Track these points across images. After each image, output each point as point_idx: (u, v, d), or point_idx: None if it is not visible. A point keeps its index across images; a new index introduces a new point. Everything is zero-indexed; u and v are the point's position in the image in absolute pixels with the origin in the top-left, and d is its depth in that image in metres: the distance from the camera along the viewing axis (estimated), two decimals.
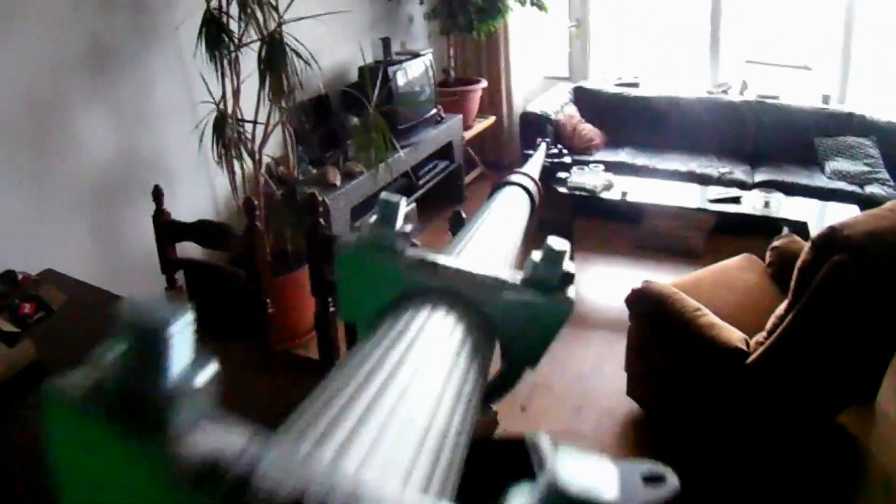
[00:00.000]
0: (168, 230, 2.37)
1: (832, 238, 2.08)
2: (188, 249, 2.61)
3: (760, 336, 2.39)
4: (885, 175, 4.51)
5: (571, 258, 0.49)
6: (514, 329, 0.47)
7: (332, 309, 2.15)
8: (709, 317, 2.54)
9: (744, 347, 2.39)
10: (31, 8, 2.65)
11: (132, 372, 0.27)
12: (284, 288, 3.02)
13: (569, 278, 0.47)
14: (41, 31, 2.70)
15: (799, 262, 2.19)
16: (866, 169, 4.54)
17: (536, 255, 0.48)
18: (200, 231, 2.35)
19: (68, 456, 0.28)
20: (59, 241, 2.84)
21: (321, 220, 2.11)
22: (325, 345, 2.15)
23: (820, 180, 4.56)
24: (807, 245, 2.19)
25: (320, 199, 2.18)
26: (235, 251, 2.27)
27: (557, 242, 0.47)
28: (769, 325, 2.34)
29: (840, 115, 4.90)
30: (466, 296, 0.45)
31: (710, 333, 2.47)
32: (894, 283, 2.08)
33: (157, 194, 2.35)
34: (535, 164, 1.10)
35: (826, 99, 5.11)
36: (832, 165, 4.64)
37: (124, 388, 0.26)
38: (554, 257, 0.47)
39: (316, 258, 2.10)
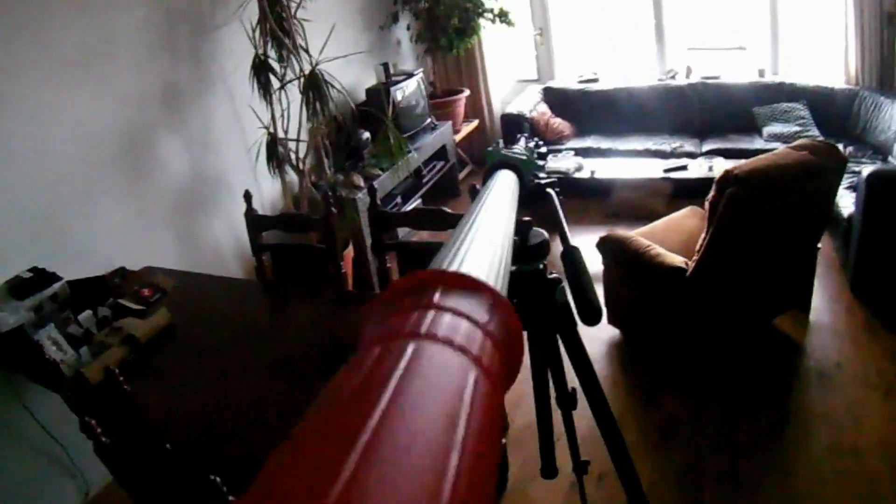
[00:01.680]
0: (257, 222, 3.30)
1: (727, 177, 3.04)
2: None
3: (695, 256, 3.33)
4: (815, 132, 5.39)
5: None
6: (526, 171, 1.38)
7: (388, 265, 3.11)
8: (656, 249, 3.47)
9: (683, 266, 3.33)
10: (120, 53, 3.52)
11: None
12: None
13: (539, 156, 1.42)
14: (130, 75, 3.58)
15: (709, 198, 3.15)
16: (798, 129, 5.43)
17: (527, 149, 1.42)
18: (284, 221, 3.32)
19: (490, 155, 1.27)
20: (152, 241, 3.72)
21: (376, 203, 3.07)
22: (384, 286, 3.09)
23: (759, 143, 5.45)
24: (714, 185, 3.14)
25: (375, 188, 3.13)
26: (314, 233, 3.20)
27: (535, 144, 1.44)
28: (697, 247, 3.29)
29: (773, 86, 5.81)
30: (513, 161, 1.36)
31: (658, 260, 3.40)
32: (770, 202, 3.04)
33: (248, 197, 3.29)
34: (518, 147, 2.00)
35: (761, 73, 6.05)
36: (768, 129, 5.56)
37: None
38: (532, 149, 1.41)
39: (378, 228, 3.06)
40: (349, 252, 4.38)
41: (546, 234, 1.33)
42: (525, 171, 1.27)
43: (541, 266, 1.34)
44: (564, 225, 1.32)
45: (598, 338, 3.92)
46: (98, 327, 2.78)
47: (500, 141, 1.49)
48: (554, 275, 1.37)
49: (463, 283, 0.46)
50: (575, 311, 1.24)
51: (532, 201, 1.33)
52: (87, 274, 3.02)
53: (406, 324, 0.40)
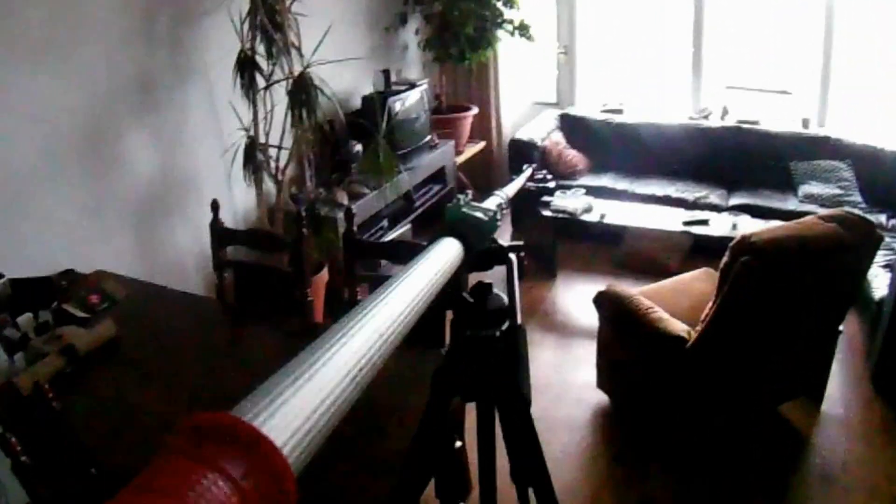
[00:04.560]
0: (222, 235, 3.42)
1: (743, 244, 3.14)
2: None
3: (699, 327, 3.43)
4: (857, 197, 5.49)
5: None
6: (482, 234, 1.42)
7: (359, 298, 3.21)
8: (659, 313, 3.57)
9: (685, 336, 3.42)
10: (91, 37, 3.63)
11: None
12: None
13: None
14: (98, 58, 3.69)
15: (721, 265, 3.26)
16: (839, 192, 5.53)
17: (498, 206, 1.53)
18: (251, 238, 3.44)
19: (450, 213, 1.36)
20: (107, 244, 3.82)
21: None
22: None
23: (792, 203, 5.56)
24: (728, 250, 3.25)
25: (353, 212, 3.26)
26: (285, 253, 3.32)
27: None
28: (702, 316, 3.39)
29: (816, 139, 5.92)
30: (463, 229, 1.37)
31: (658, 326, 3.49)
32: (789, 278, 3.15)
33: (215, 206, 3.40)
34: (513, 186, 2.01)
35: (805, 123, 6.14)
36: (805, 189, 5.66)
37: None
38: (501, 208, 1.53)
39: (351, 256, 3.17)
40: (323, 276, 4.48)
41: (506, 299, 1.45)
42: (480, 235, 1.37)
43: (497, 333, 1.44)
44: (517, 298, 1.43)
45: (584, 401, 4.04)
46: (37, 332, 2.85)
47: (469, 193, 1.56)
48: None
49: (238, 441, 0.57)
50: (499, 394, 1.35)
51: (490, 265, 1.45)
52: (31, 273, 3.12)
53: (177, 472, 0.54)
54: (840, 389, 4.13)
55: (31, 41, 3.35)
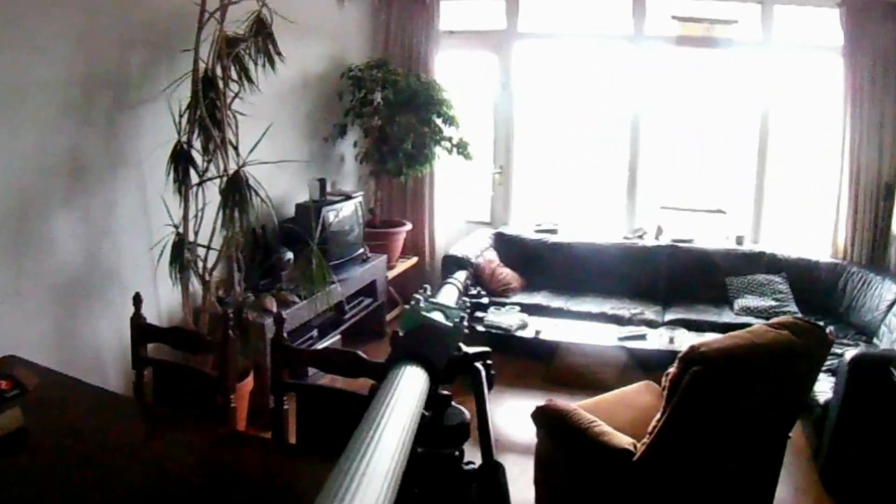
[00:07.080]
0: (144, 331, 3.15)
1: (692, 354, 3.00)
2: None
3: (646, 439, 3.24)
4: (793, 308, 5.57)
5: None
6: (450, 343, 1.23)
7: (285, 407, 2.94)
8: (602, 426, 3.39)
9: (631, 449, 3.23)
10: (26, 109, 3.49)
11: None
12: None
13: (478, 306, 1.32)
14: (31, 134, 3.54)
15: (670, 375, 3.10)
16: (774, 303, 5.61)
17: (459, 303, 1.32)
18: (174, 337, 3.20)
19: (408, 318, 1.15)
20: (23, 327, 3.55)
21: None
22: (278, 431, 2.92)
23: (728, 316, 5.60)
24: (676, 361, 3.09)
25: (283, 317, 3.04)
26: (210, 356, 3.06)
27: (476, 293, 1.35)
28: (650, 428, 3.20)
29: (751, 255, 6.10)
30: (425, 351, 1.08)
31: (602, 440, 3.30)
32: (741, 387, 3.01)
33: (137, 301, 3.16)
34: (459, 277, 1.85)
35: (739, 240, 6.30)
36: (741, 302, 5.72)
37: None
38: (464, 306, 1.30)
39: (278, 364, 2.94)
40: (248, 383, 4.20)
41: (467, 413, 1.23)
42: (445, 348, 1.14)
43: (456, 453, 1.23)
44: (489, 426, 1.20)
45: None
46: None
47: (427, 288, 1.30)
48: (471, 465, 1.25)
49: None
50: None
51: (452, 376, 1.22)
52: None
53: None
54: (789, 493, 4.02)
55: None
